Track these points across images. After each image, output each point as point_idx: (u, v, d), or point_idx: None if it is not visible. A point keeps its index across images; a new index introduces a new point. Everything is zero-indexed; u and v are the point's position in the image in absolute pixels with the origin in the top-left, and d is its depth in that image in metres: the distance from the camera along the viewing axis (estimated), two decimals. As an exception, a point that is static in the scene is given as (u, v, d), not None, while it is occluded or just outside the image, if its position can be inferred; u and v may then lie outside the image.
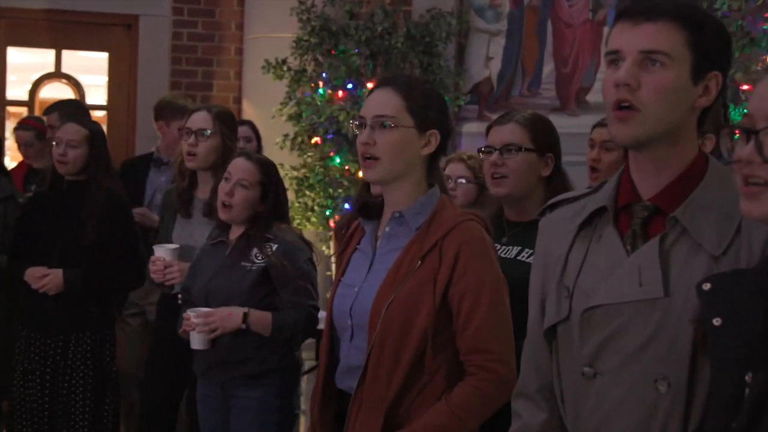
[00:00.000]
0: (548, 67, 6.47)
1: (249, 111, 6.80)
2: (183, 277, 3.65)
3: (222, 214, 3.39)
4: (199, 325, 3.23)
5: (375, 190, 3.03)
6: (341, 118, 5.77)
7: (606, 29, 6.24)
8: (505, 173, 2.76)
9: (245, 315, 3.24)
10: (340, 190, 6.07)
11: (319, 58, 6.17)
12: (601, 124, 3.84)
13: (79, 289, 3.93)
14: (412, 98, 2.32)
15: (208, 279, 3.37)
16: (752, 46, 4.58)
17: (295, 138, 6.21)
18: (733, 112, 4.65)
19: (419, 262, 2.27)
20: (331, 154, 6.08)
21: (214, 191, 3.71)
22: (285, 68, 6.16)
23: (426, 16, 6.17)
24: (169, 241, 3.82)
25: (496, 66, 6.63)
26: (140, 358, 4.86)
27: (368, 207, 2.42)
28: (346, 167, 6.05)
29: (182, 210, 3.85)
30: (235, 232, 3.42)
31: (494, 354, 2.24)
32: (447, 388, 2.25)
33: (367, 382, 2.26)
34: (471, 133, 6.53)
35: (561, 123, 6.46)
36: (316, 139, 6.14)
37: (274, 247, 3.34)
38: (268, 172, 3.43)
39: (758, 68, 4.44)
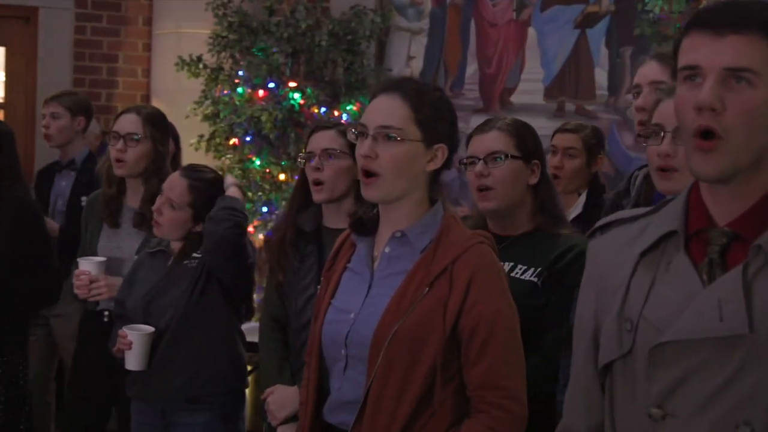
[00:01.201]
0: (472, 67, 6.33)
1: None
2: (111, 292, 3.37)
3: (154, 229, 3.13)
4: (135, 344, 2.97)
5: (318, 198, 2.84)
6: (263, 118, 5.51)
7: (531, 29, 6.15)
8: (491, 184, 2.58)
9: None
10: (260, 194, 5.80)
11: (237, 55, 5.89)
12: (563, 130, 3.72)
13: None
14: (421, 109, 2.10)
15: (146, 291, 3.10)
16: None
17: (211, 139, 5.92)
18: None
19: (427, 289, 2.06)
20: (251, 156, 5.81)
21: (145, 200, 3.46)
22: (201, 66, 5.85)
23: (349, 14, 5.96)
24: (94, 253, 3.52)
25: (417, 65, 6.47)
26: (42, 376, 4.51)
27: (363, 223, 2.20)
28: (267, 170, 5.79)
29: (109, 219, 3.55)
30: (177, 243, 3.15)
31: (508, 391, 2.06)
32: (453, 423, 2.06)
33: (367, 419, 2.05)
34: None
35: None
36: (234, 141, 5.85)
37: None
38: (201, 194, 3.13)
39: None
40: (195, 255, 3.08)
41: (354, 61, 5.89)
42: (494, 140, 2.61)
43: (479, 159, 2.60)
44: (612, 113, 5.89)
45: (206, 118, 5.90)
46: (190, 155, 5.97)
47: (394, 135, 2.07)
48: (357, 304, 2.14)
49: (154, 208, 3.11)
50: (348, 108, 5.86)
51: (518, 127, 2.66)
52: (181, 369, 3.03)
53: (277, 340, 2.98)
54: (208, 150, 5.91)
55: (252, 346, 3.25)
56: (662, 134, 2.15)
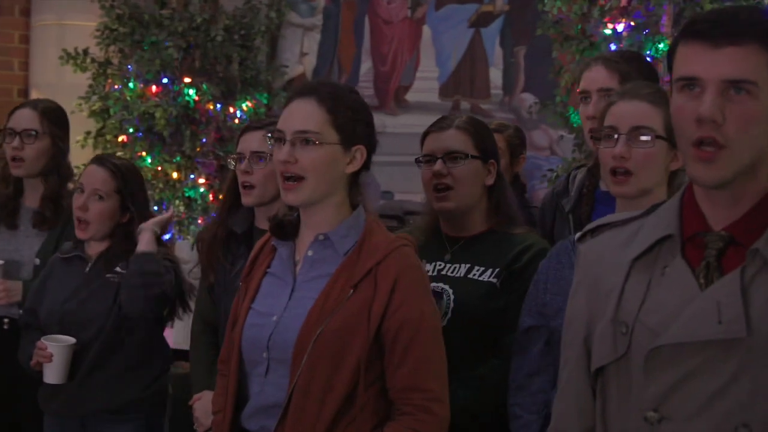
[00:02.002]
0: (366, 65, 6.30)
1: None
2: (10, 297, 3.17)
3: (79, 233, 2.96)
4: (56, 356, 2.80)
5: (247, 201, 2.75)
6: (158, 114, 5.33)
7: (425, 27, 6.15)
8: (451, 184, 2.53)
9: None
10: (151, 192, 5.61)
11: (126, 49, 5.68)
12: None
13: None
14: (337, 112, 2.07)
15: (63, 300, 2.93)
16: (592, 49, 4.61)
17: (99, 136, 5.70)
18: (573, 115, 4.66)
19: (351, 291, 2.03)
20: (142, 153, 5.62)
21: (46, 198, 3.28)
22: (89, 59, 5.62)
23: (243, 8, 5.82)
24: None
25: (311, 62, 6.40)
26: None
27: (283, 227, 2.16)
28: (159, 167, 5.60)
29: (6, 221, 3.34)
30: (95, 247, 2.99)
31: (433, 393, 2.04)
32: (376, 425, 2.04)
33: (289, 422, 2.01)
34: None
35: (379, 122, 6.38)
36: (122, 138, 5.65)
37: None
38: (125, 178, 3.00)
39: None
40: (118, 270, 2.92)
41: (247, 57, 5.77)
42: (453, 139, 2.56)
43: (437, 158, 2.55)
44: (507, 112, 5.95)
45: (94, 114, 5.68)
46: (77, 152, 5.71)
47: (312, 139, 2.05)
48: (279, 307, 2.09)
49: (76, 206, 2.92)
50: (243, 105, 5.74)
51: (476, 126, 2.63)
52: (108, 382, 2.88)
53: (208, 343, 2.88)
54: (96, 147, 5.68)
55: (178, 354, 3.12)
56: (616, 136, 2.14)
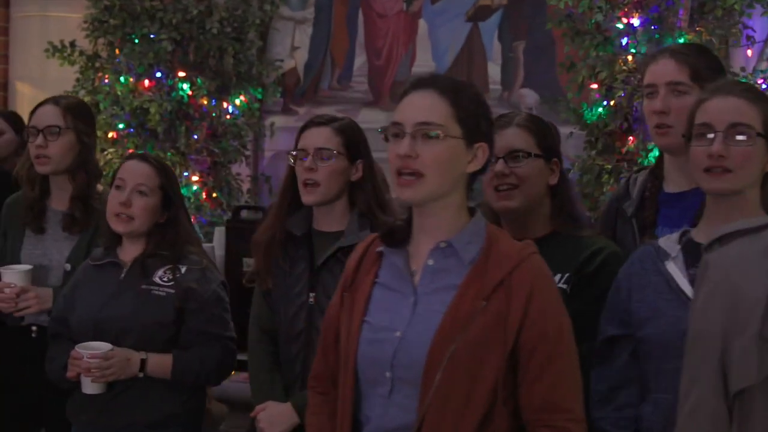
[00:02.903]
0: (360, 59, 6.15)
1: (23, 101, 5.96)
2: (40, 305, 3.00)
3: (119, 225, 2.80)
4: (94, 369, 2.63)
5: (309, 199, 2.62)
6: (152, 109, 5.13)
7: (421, 21, 6.02)
8: (515, 183, 2.41)
9: (143, 361, 2.70)
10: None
11: (115, 42, 5.47)
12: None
13: None
14: (460, 105, 1.92)
15: (97, 308, 2.77)
16: (606, 44, 4.51)
17: (86, 132, 5.48)
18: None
19: (483, 303, 1.87)
20: (132, 150, 5.42)
21: (75, 198, 3.12)
22: (77, 52, 5.40)
23: (236, 0, 5.64)
24: (17, 262, 3.13)
25: (302, 56, 6.23)
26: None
27: (394, 233, 1.99)
28: (150, 165, 5.40)
29: (33, 224, 3.16)
30: (130, 251, 2.83)
31: (573, 414, 1.90)
32: None
33: None
34: (279, 128, 6.11)
35: (374, 118, 6.27)
36: (112, 134, 5.44)
37: (183, 268, 2.80)
38: (167, 174, 2.88)
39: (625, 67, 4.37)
40: (157, 280, 2.77)
41: (240, 51, 5.59)
42: (514, 137, 2.44)
43: (498, 157, 2.41)
44: (506, 108, 5.80)
45: (81, 109, 5.45)
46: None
47: (435, 132, 1.89)
48: (401, 322, 1.93)
49: (119, 202, 2.77)
50: (236, 100, 5.57)
51: (537, 123, 2.51)
52: (144, 394, 2.72)
53: (268, 352, 2.74)
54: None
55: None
56: (712, 135, 2.03)
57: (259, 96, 5.68)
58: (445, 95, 1.91)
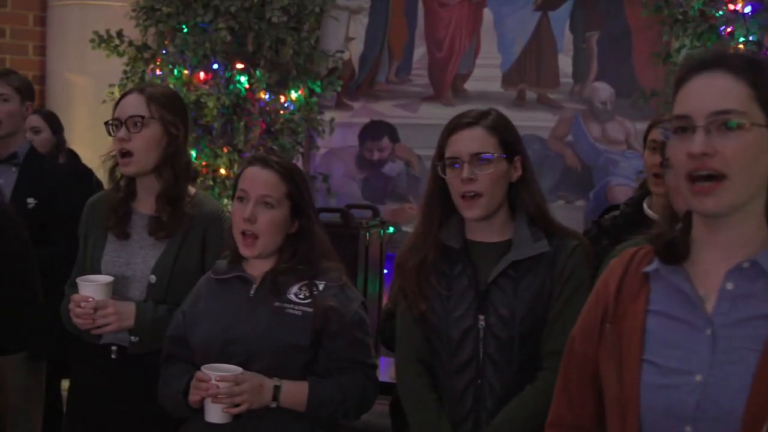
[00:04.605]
0: (420, 51, 5.80)
1: (62, 95, 5.62)
2: (121, 321, 2.65)
3: (246, 250, 2.44)
4: (222, 395, 2.28)
5: (472, 214, 2.30)
6: (210, 104, 4.77)
7: (486, 10, 5.67)
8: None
9: (276, 389, 2.35)
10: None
11: (165, 32, 5.11)
12: (658, 122, 3.23)
13: None
14: (761, 83, 1.56)
15: (224, 328, 2.43)
16: (710, 33, 4.17)
17: (134, 127, 5.13)
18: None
19: None
20: (185, 147, 5.06)
21: (161, 198, 2.76)
22: (126, 43, 5.05)
23: (293, -13, 5.29)
24: (96, 271, 2.77)
25: (357, 47, 5.88)
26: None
27: (675, 246, 1.63)
28: (204, 163, 5.04)
29: (117, 228, 2.80)
30: (259, 265, 2.49)
31: None
32: None
33: None
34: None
35: (435, 114, 5.93)
36: (161, 130, 5.07)
37: (321, 285, 2.45)
38: (294, 179, 2.50)
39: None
40: (292, 297, 2.42)
41: (299, 41, 5.24)
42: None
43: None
44: (577, 102, 5.50)
45: (128, 103, 5.10)
46: (110, 145, 5.18)
47: (737, 121, 1.54)
48: (700, 363, 1.56)
49: (243, 217, 2.42)
50: (294, 94, 5.22)
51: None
52: (275, 423, 2.37)
53: (428, 386, 2.39)
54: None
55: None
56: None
57: (318, 89, 5.33)
58: (740, 75, 1.56)
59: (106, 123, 2.85)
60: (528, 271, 2.32)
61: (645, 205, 3.10)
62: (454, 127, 2.35)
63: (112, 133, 2.80)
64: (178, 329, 2.51)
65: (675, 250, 1.61)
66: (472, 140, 2.31)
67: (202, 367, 2.32)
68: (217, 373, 2.29)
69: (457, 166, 2.30)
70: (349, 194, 5.80)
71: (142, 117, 2.75)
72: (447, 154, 2.33)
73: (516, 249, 2.32)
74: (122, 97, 2.87)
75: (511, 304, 2.30)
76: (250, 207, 2.41)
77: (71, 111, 5.41)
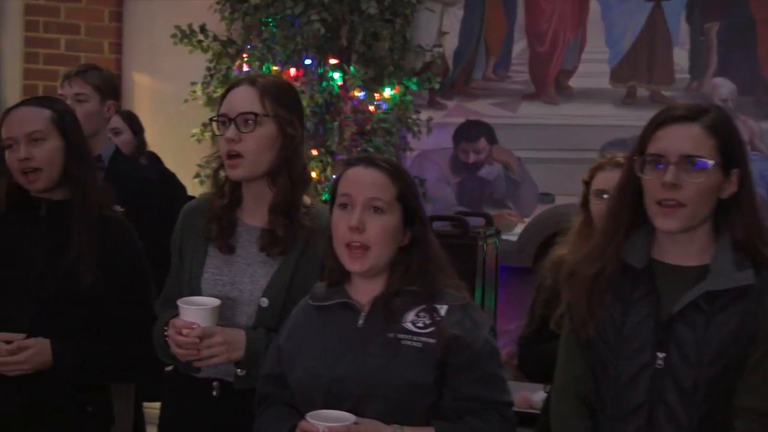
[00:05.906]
0: (519, 46, 5.43)
1: (140, 95, 5.34)
2: (230, 353, 2.27)
3: (355, 264, 2.06)
4: None
5: (669, 226, 1.91)
6: (304, 102, 4.41)
7: (593, 1, 5.29)
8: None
9: None
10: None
11: (252, 26, 4.78)
12: None
13: (70, 371, 2.51)
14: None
15: (329, 364, 2.05)
16: None
17: (218, 129, 4.81)
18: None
19: None
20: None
21: (275, 209, 2.37)
22: (210, 38, 4.73)
23: (388, -23, 4.93)
24: (197, 292, 2.40)
25: (451, 42, 5.51)
26: None
27: None
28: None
29: (221, 242, 2.43)
30: (365, 288, 2.10)
31: None
32: None
33: None
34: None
35: (536, 113, 5.54)
36: (248, 130, 4.75)
37: (443, 309, 2.06)
38: (404, 179, 2.13)
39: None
40: (416, 329, 2.03)
41: (395, 35, 4.87)
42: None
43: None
44: (695, 100, 5.07)
45: (212, 101, 4.79)
46: (192, 147, 4.88)
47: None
48: None
49: (351, 225, 2.05)
50: (388, 92, 4.85)
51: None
52: None
53: (588, 429, 2.04)
54: (214, 141, 4.79)
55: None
56: None
57: (414, 86, 4.95)
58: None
59: (211, 119, 2.49)
60: (726, 305, 1.92)
61: None
62: (664, 119, 1.96)
63: (218, 132, 2.44)
64: (274, 366, 2.14)
65: None
66: (685, 139, 1.92)
67: (307, 416, 1.94)
68: (326, 424, 1.92)
69: (661, 166, 1.91)
70: (444, 199, 5.44)
71: (256, 115, 2.37)
72: (650, 150, 1.94)
73: (714, 277, 1.92)
74: (229, 89, 2.50)
75: (700, 342, 1.91)
76: (357, 213, 2.04)
77: (148, 111, 5.14)
